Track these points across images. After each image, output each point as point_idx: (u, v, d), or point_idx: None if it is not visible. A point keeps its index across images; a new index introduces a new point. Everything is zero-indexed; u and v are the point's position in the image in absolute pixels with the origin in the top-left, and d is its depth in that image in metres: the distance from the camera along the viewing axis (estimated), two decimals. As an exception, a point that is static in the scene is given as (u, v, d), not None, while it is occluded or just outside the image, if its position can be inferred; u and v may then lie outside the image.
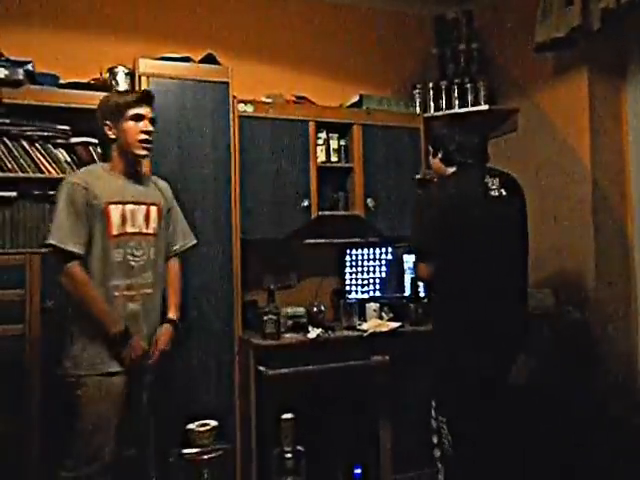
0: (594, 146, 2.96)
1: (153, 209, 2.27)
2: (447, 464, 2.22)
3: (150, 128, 2.21)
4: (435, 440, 2.27)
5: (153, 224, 2.26)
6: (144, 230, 2.23)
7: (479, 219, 2.20)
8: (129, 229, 2.18)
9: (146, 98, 2.25)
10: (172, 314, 2.32)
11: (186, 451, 1.20)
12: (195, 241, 2.50)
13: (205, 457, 1.20)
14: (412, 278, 3.35)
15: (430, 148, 2.49)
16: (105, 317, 2.08)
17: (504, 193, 2.24)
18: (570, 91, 3.07)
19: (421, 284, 3.28)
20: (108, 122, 2.19)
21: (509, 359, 2.26)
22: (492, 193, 2.23)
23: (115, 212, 2.15)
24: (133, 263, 2.17)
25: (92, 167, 2.31)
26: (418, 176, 3.26)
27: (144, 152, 2.23)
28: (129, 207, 2.19)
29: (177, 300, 2.36)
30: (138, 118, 2.19)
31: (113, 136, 2.20)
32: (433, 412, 2.28)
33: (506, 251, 2.22)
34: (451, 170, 2.37)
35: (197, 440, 1.22)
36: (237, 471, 2.83)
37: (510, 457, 2.29)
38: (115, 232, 2.14)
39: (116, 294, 2.14)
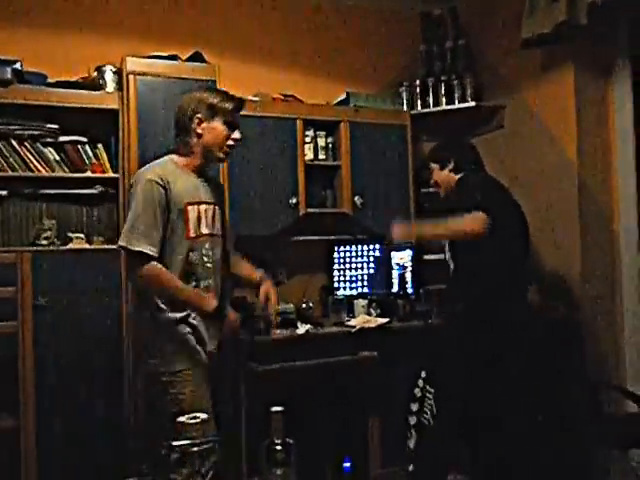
0: (580, 143, 2.98)
1: (218, 210, 2.25)
2: (421, 433, 2.27)
3: (240, 137, 2.21)
4: (414, 408, 2.31)
5: (218, 224, 2.23)
6: (214, 231, 2.20)
7: (519, 214, 2.46)
8: (204, 230, 2.14)
9: (242, 107, 2.25)
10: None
11: (176, 443, 1.23)
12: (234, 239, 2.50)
13: (195, 449, 1.22)
14: (400, 274, 3.39)
15: (432, 165, 2.58)
16: (199, 298, 2.08)
17: None
18: (557, 87, 3.08)
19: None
20: (200, 116, 2.12)
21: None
22: None
23: (192, 213, 2.11)
24: (209, 265, 2.15)
25: (166, 163, 2.17)
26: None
27: (224, 157, 2.22)
28: (203, 207, 2.15)
29: None
30: (232, 126, 2.17)
31: (200, 131, 2.13)
32: (420, 381, 2.32)
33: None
34: (457, 176, 2.45)
35: (187, 432, 1.24)
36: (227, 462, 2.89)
37: (493, 441, 2.34)
38: (192, 234, 2.10)
39: None
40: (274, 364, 2.83)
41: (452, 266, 2.51)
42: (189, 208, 2.09)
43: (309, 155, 3.33)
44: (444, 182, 2.53)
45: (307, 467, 1.78)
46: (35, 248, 2.73)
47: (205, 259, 2.13)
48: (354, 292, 3.48)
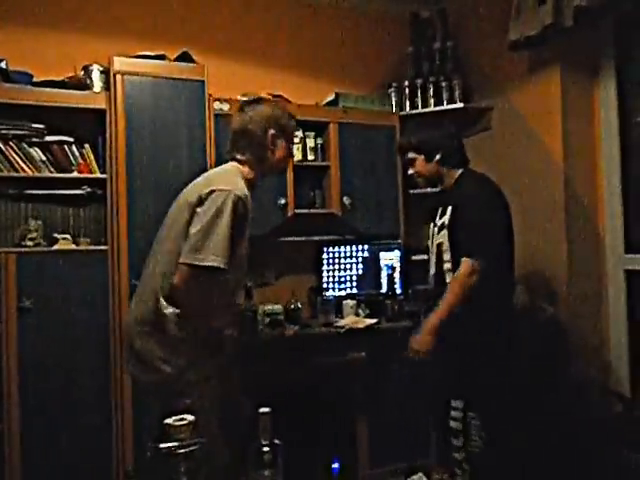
0: (566, 144, 3.00)
1: None
2: (474, 464, 2.25)
3: (294, 153, 2.31)
4: (459, 443, 2.28)
5: None
6: None
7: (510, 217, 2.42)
8: None
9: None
10: None
11: (163, 445, 1.21)
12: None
13: (182, 451, 1.21)
14: (389, 274, 3.40)
15: (414, 155, 2.48)
16: None
17: None
18: (543, 89, 3.10)
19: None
20: (274, 132, 2.10)
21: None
22: None
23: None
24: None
25: (237, 176, 2.04)
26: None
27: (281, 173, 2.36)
28: None
29: None
30: (292, 142, 2.24)
31: (272, 147, 2.11)
32: (456, 412, 2.30)
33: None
34: (457, 172, 2.43)
35: (174, 434, 1.23)
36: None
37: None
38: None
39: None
40: (262, 365, 2.82)
41: (432, 270, 2.48)
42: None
43: (298, 156, 3.33)
44: (429, 173, 2.47)
45: (295, 468, 1.78)
46: (20, 249, 2.70)
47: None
48: (343, 292, 3.48)
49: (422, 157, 2.46)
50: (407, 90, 3.61)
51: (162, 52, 3.01)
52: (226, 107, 3.11)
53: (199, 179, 2.09)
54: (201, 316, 1.94)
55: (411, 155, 2.50)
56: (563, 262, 2.99)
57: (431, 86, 3.56)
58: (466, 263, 2.23)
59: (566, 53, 3.00)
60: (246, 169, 2.09)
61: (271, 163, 2.14)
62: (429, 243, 2.53)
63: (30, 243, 2.75)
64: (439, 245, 2.41)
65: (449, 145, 2.46)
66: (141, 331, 1.93)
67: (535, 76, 3.16)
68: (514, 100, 3.32)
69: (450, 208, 2.37)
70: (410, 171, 2.54)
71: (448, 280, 2.33)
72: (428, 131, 2.51)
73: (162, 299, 1.90)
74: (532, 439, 2.65)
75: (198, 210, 1.91)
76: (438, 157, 2.44)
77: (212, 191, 1.90)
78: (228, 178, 2.00)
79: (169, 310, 1.88)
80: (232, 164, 2.11)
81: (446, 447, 2.37)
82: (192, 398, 1.86)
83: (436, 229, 2.46)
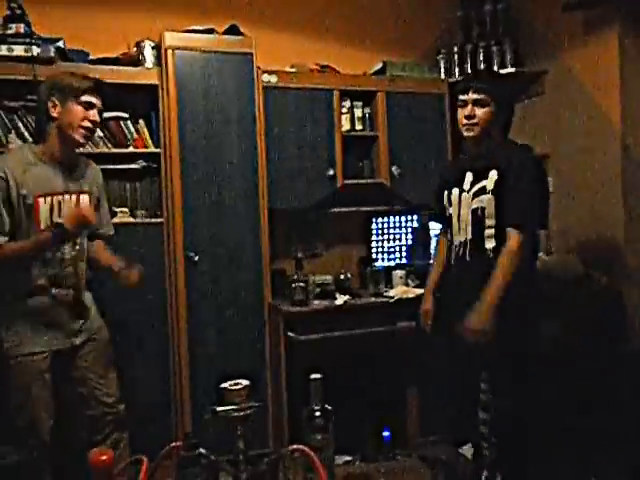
0: (624, 107, 2.90)
1: (85, 197, 2.23)
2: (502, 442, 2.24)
3: (97, 119, 2.17)
4: (485, 416, 2.28)
5: None
6: None
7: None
8: (58, 220, 2.09)
9: (100, 88, 2.20)
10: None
11: (220, 408, 1.28)
12: (113, 232, 2.47)
13: (238, 414, 1.27)
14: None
15: (485, 97, 2.21)
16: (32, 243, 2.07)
17: None
18: (600, 51, 2.99)
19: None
20: (54, 99, 2.11)
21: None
22: None
23: (43, 205, 2.10)
24: (68, 255, 2.17)
25: (20, 152, 2.18)
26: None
27: (83, 140, 2.16)
28: (57, 198, 2.13)
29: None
30: (89, 106, 2.14)
31: (55, 114, 2.11)
32: (486, 385, 2.28)
33: None
34: (501, 137, 2.31)
35: (230, 398, 1.29)
36: (269, 427, 3.00)
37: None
38: (42, 226, 2.09)
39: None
40: (313, 334, 2.88)
41: (462, 238, 2.31)
42: (39, 200, 2.08)
43: (346, 126, 3.32)
44: (488, 128, 2.25)
45: (347, 435, 1.83)
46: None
47: (66, 249, 2.15)
48: (392, 263, 3.49)
49: (493, 104, 2.22)
50: (456, 56, 3.53)
51: (211, 26, 3.03)
52: (274, 79, 3.12)
53: None
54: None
55: (480, 96, 2.22)
56: (620, 229, 2.92)
57: (481, 51, 3.47)
58: (517, 237, 2.13)
59: (624, 12, 2.87)
60: (37, 146, 2.17)
61: (59, 131, 2.12)
62: (452, 210, 2.36)
63: (91, 217, 2.86)
64: (475, 211, 2.25)
65: (513, 108, 2.38)
66: None
67: (591, 37, 3.05)
68: (569, 63, 3.22)
69: (494, 172, 2.20)
70: (466, 112, 2.25)
71: (488, 246, 2.22)
72: (504, 85, 2.39)
73: None
74: (581, 409, 2.64)
75: None
76: (503, 114, 2.27)
77: None
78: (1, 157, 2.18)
79: None
80: (26, 144, 2.26)
81: (470, 420, 2.33)
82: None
83: (468, 194, 2.28)
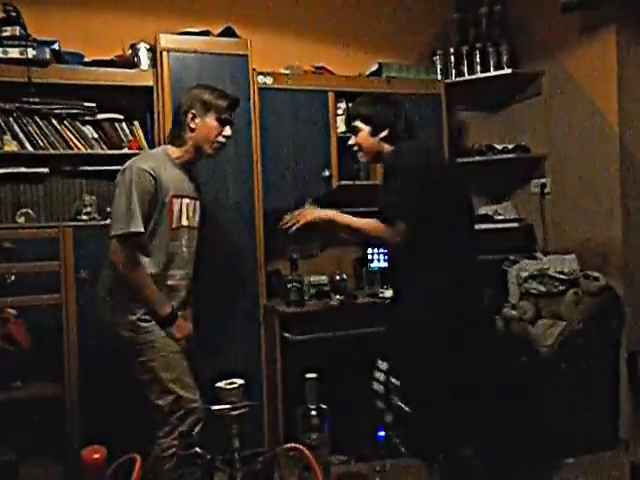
0: (622, 108, 2.92)
1: (198, 205, 2.36)
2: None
3: (230, 133, 2.28)
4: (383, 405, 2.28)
5: (197, 218, 2.34)
6: (193, 224, 2.31)
7: (452, 186, 2.27)
8: (184, 222, 2.25)
9: (236, 105, 2.32)
10: None
11: (215, 407, 1.28)
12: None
13: (233, 413, 1.27)
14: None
15: (361, 125, 2.32)
16: (160, 304, 2.18)
17: None
18: (598, 52, 3.01)
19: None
20: (194, 112, 2.21)
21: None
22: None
23: (176, 205, 2.21)
24: (186, 255, 2.27)
25: (159, 153, 2.30)
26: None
27: (214, 153, 2.28)
28: (185, 201, 2.26)
29: None
30: (225, 122, 2.25)
31: (193, 126, 2.21)
32: (380, 374, 2.29)
33: (471, 216, 2.36)
34: (389, 147, 2.31)
35: (225, 397, 1.29)
36: (265, 427, 3.00)
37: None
38: (174, 225, 2.21)
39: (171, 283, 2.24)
40: (308, 335, 2.88)
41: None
42: (174, 200, 2.19)
43: (341, 127, 3.32)
44: (371, 148, 2.32)
45: (342, 434, 1.83)
46: (76, 223, 2.82)
47: (184, 249, 2.26)
48: (388, 264, 3.48)
49: (368, 129, 2.31)
50: (453, 57, 3.54)
51: (206, 28, 3.04)
52: (270, 80, 3.13)
53: None
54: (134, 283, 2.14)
55: (357, 124, 2.33)
56: (617, 229, 2.92)
57: (478, 52, 3.49)
58: (396, 225, 2.15)
59: (622, 13, 2.88)
60: (174, 149, 2.26)
61: (195, 142, 2.23)
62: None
63: (85, 217, 2.86)
64: None
65: (398, 124, 2.31)
66: None
67: (589, 39, 3.06)
68: (566, 64, 3.23)
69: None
70: (351, 141, 2.39)
71: None
72: (382, 105, 2.35)
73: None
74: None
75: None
76: (383, 134, 2.30)
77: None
78: (144, 156, 2.32)
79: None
80: (162, 146, 2.35)
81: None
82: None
83: None
